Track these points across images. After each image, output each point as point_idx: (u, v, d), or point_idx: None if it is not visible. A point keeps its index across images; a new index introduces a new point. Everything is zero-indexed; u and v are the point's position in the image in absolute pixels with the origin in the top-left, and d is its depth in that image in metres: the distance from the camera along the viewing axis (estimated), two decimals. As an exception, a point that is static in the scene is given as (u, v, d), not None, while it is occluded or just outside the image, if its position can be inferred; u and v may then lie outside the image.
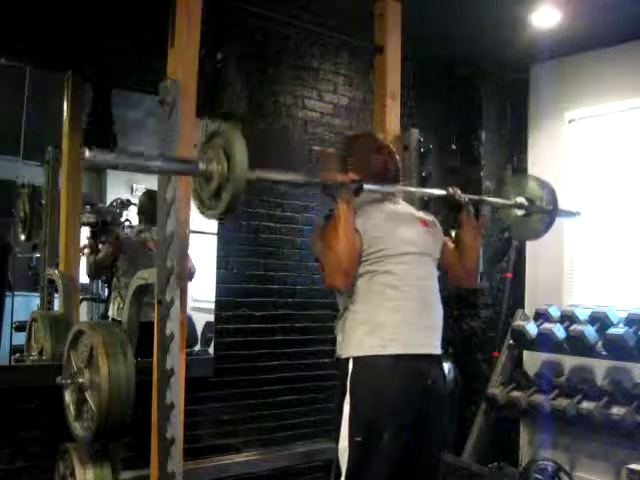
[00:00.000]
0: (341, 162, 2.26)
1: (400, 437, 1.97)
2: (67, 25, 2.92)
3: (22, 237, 3.11)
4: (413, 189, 2.60)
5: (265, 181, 2.13)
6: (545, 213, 2.62)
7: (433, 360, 2.10)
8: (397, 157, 2.32)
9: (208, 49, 2.92)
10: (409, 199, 2.41)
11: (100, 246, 3.33)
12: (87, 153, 1.54)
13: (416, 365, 2.02)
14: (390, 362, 1.99)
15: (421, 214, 2.31)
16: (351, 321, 2.07)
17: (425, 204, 2.57)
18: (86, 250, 3.25)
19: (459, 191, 2.31)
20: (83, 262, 3.30)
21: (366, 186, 2.04)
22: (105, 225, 3.34)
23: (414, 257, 2.12)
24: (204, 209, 1.90)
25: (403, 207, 2.28)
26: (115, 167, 1.62)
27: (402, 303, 2.05)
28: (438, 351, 2.13)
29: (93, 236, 3.28)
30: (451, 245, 2.33)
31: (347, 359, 2.04)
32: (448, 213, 2.38)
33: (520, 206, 2.64)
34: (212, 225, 3.36)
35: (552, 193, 2.62)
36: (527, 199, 2.64)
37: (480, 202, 2.57)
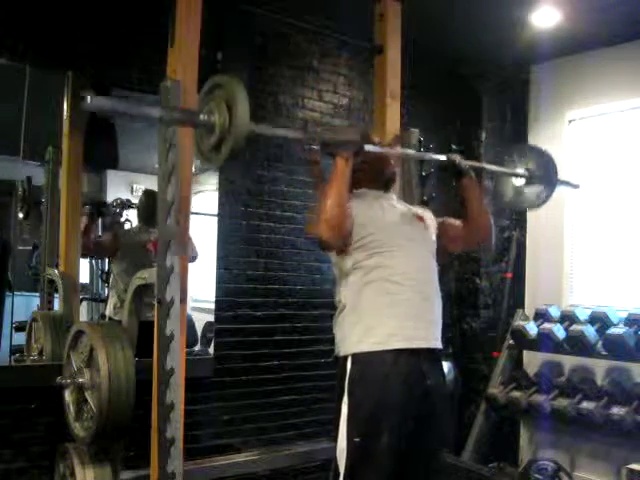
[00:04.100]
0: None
1: (400, 437, 1.97)
2: (67, 25, 2.92)
3: (20, 215, 3.10)
4: (414, 152, 2.59)
5: (265, 136, 2.13)
6: (544, 182, 2.62)
7: (434, 358, 2.10)
8: (393, 160, 2.33)
9: (208, 49, 2.92)
10: (408, 199, 2.41)
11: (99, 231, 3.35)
12: (88, 99, 1.54)
13: (416, 363, 2.01)
14: (390, 358, 1.97)
15: (418, 210, 2.31)
16: (350, 318, 2.06)
17: (425, 204, 2.58)
18: (82, 227, 3.23)
19: (459, 157, 2.32)
20: (83, 262, 3.31)
21: (367, 147, 2.05)
22: (105, 205, 3.35)
23: (412, 251, 2.12)
24: (204, 160, 1.90)
25: (400, 204, 2.30)
26: (114, 113, 1.62)
27: (401, 297, 2.04)
28: (439, 345, 2.12)
29: (91, 217, 3.27)
30: (454, 221, 2.34)
31: (346, 357, 2.03)
32: (450, 179, 2.38)
33: (519, 175, 2.64)
34: (212, 228, 3.37)
35: (552, 162, 2.62)
36: (526, 169, 2.64)
37: (480, 169, 2.57)
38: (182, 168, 2.17)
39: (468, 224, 2.31)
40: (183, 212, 2.18)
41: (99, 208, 3.33)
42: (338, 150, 1.99)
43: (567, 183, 2.88)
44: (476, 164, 2.47)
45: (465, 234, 2.33)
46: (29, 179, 3.09)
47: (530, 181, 2.63)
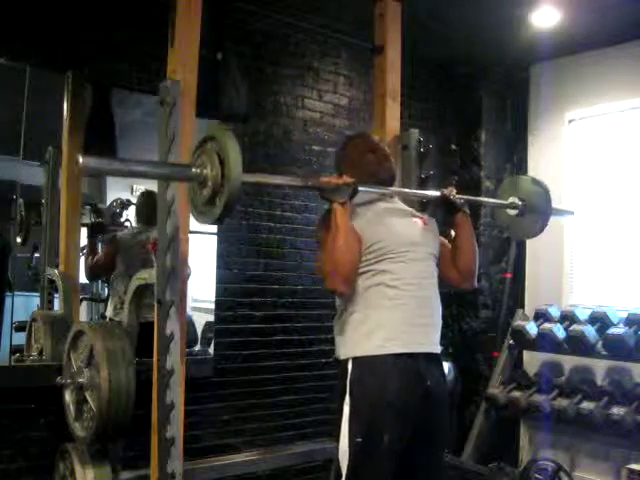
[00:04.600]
0: (337, 163, 2.28)
1: (401, 438, 1.97)
2: (67, 25, 2.92)
3: (18, 239, 3.10)
4: (407, 190, 2.60)
5: (261, 185, 2.13)
6: (538, 212, 2.63)
7: (433, 360, 2.10)
8: (392, 159, 2.33)
9: (208, 49, 2.92)
10: (408, 200, 2.41)
11: (99, 246, 3.33)
12: (81, 160, 1.55)
13: (416, 365, 2.01)
14: (390, 362, 1.98)
15: (420, 213, 2.31)
16: (350, 321, 2.07)
17: (424, 205, 2.57)
18: (85, 251, 3.24)
19: (454, 191, 2.29)
20: (83, 262, 3.30)
21: (361, 188, 2.04)
22: (102, 226, 3.33)
23: (413, 255, 2.12)
24: (198, 215, 1.87)
25: (400, 205, 2.28)
26: (107, 174, 1.63)
27: (401, 302, 2.04)
28: (438, 349, 2.13)
29: (92, 234, 3.27)
30: (448, 246, 2.31)
31: (346, 360, 2.03)
32: (445, 214, 2.36)
33: (514, 206, 2.65)
34: (212, 227, 3.37)
35: (546, 192, 2.63)
36: (520, 199, 2.65)
37: (475, 202, 2.57)
38: (182, 168, 2.17)
39: (452, 268, 2.27)
40: (183, 213, 2.18)
41: (98, 225, 3.32)
42: (334, 195, 2.00)
43: (562, 212, 2.91)
44: (470, 198, 2.45)
45: (451, 270, 2.27)
46: (26, 204, 3.07)
47: (524, 212, 2.64)
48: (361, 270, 2.05)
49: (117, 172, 1.68)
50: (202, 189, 1.79)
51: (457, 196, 2.29)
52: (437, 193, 2.31)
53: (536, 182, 2.69)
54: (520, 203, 2.63)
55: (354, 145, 2.30)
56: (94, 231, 3.28)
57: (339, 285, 1.99)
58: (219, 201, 1.75)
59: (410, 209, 2.30)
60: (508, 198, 2.67)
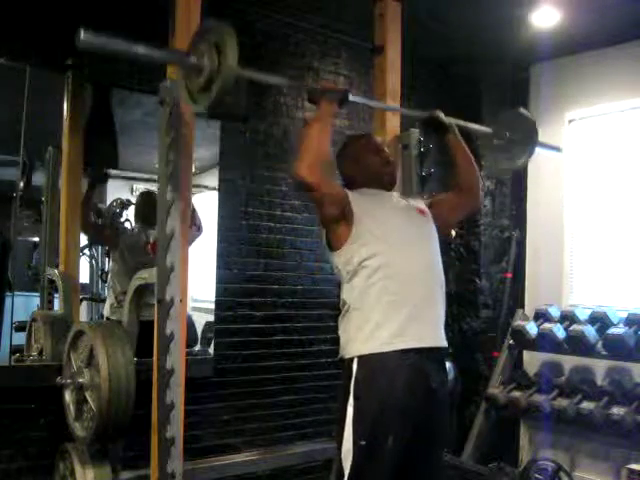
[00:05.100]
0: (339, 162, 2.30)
1: (403, 439, 1.96)
2: (67, 25, 2.91)
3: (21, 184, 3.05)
4: (400, 108, 2.65)
5: (253, 80, 2.18)
6: (524, 144, 2.68)
7: (438, 358, 2.10)
8: (393, 161, 2.34)
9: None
10: (407, 193, 2.43)
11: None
12: (82, 35, 1.63)
13: (421, 364, 2.00)
14: (396, 359, 1.97)
15: (417, 203, 2.30)
16: (354, 319, 2.05)
17: (422, 181, 2.62)
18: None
19: (442, 114, 2.39)
20: (83, 262, 3.31)
21: (352, 97, 2.14)
22: (106, 176, 3.36)
23: (415, 249, 2.12)
24: (192, 101, 1.95)
25: (399, 200, 2.27)
26: (105, 50, 1.68)
27: (405, 297, 2.03)
28: (445, 343, 2.12)
29: (92, 185, 3.24)
30: (442, 194, 2.41)
31: (351, 359, 2.02)
32: (437, 137, 2.44)
33: (500, 136, 2.70)
34: (212, 227, 3.37)
35: (532, 125, 2.68)
36: (507, 130, 2.70)
37: (463, 127, 2.61)
38: (182, 168, 2.17)
39: (459, 185, 2.34)
40: (183, 214, 2.18)
41: (101, 175, 3.31)
42: (323, 97, 2.09)
43: (549, 146, 2.96)
44: (459, 121, 2.52)
45: (457, 198, 2.35)
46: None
47: (509, 142, 2.70)
48: (362, 266, 2.04)
49: (118, 50, 1.76)
50: (198, 76, 1.87)
51: (445, 118, 2.39)
52: (426, 113, 2.42)
53: (523, 114, 2.74)
54: (507, 134, 2.69)
55: (359, 145, 2.30)
56: (96, 179, 3.27)
57: (302, 169, 1.95)
58: (215, 87, 1.83)
59: (409, 202, 2.29)
60: (494, 128, 2.75)
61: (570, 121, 4.24)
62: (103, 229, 3.38)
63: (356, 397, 1.97)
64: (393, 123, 2.87)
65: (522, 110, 2.79)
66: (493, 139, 2.74)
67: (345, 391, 2.01)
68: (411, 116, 2.58)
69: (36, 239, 3.23)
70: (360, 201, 2.11)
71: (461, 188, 2.34)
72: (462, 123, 2.54)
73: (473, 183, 2.35)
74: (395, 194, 2.31)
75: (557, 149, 3.20)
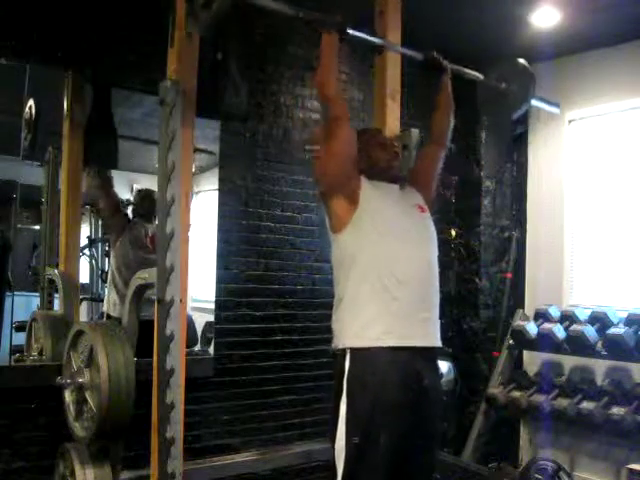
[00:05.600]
0: None
1: (397, 437, 1.96)
2: (67, 24, 2.92)
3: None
4: (399, 48, 2.70)
5: (250, 4, 2.18)
6: (520, 95, 2.73)
7: (430, 357, 2.10)
8: (400, 157, 2.34)
9: (208, 49, 2.92)
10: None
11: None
12: None
13: (413, 362, 2.01)
14: (388, 356, 1.97)
15: (416, 199, 2.29)
16: (348, 311, 2.05)
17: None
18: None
19: (439, 55, 2.55)
20: (83, 262, 3.31)
21: (351, 31, 2.22)
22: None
23: (413, 247, 2.11)
24: (194, 21, 2.09)
25: (402, 194, 2.26)
26: None
27: (399, 294, 2.02)
28: (438, 343, 2.12)
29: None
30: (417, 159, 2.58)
31: (344, 353, 2.01)
32: (429, 73, 2.59)
33: (497, 83, 2.75)
34: (212, 227, 3.37)
35: (531, 77, 2.72)
36: (505, 79, 2.75)
37: (459, 71, 2.71)
38: (182, 168, 2.17)
39: (430, 130, 2.51)
40: (183, 213, 2.18)
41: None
42: (323, 25, 2.17)
43: (544, 100, 3.03)
44: (455, 66, 2.66)
45: (427, 148, 2.50)
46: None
47: (506, 91, 2.76)
48: (359, 260, 2.04)
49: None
50: None
51: (442, 60, 2.57)
52: (423, 54, 2.58)
53: (523, 66, 2.77)
54: (503, 83, 2.75)
55: (368, 137, 2.30)
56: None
57: (320, 86, 2.14)
58: (214, 6, 1.98)
59: (411, 197, 2.28)
60: (492, 76, 2.81)
61: (570, 121, 4.24)
62: (121, 211, 3.40)
63: (349, 395, 1.97)
64: (393, 123, 2.87)
65: (521, 60, 2.81)
66: (491, 89, 2.82)
67: (338, 389, 2.00)
68: (409, 54, 2.66)
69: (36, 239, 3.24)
70: (367, 188, 2.12)
71: (432, 133, 2.49)
72: (456, 67, 2.66)
73: (444, 128, 2.50)
74: (397, 188, 2.29)
75: (555, 105, 3.22)
